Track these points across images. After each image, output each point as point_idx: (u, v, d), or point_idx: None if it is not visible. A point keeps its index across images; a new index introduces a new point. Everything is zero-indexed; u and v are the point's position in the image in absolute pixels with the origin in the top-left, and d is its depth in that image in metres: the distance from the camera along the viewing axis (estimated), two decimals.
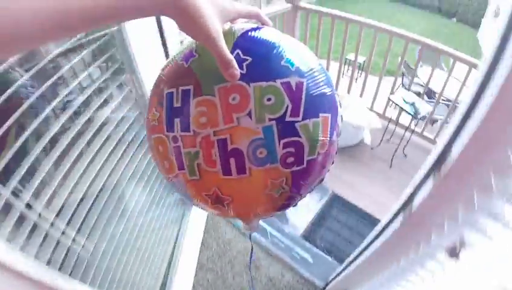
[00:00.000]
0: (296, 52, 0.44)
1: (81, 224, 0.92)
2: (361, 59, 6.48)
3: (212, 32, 0.35)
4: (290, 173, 0.44)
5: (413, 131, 2.86)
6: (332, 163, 0.51)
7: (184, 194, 0.49)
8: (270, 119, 0.40)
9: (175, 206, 1.73)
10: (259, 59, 0.41)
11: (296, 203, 0.51)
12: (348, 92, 3.25)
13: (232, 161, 0.41)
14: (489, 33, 10.46)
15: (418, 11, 13.82)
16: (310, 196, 2.33)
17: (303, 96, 0.42)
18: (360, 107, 2.63)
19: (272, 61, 0.42)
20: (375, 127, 2.64)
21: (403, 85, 5.58)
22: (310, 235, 2.29)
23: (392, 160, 2.88)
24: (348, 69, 6.57)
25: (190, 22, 0.35)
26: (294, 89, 0.41)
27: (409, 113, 2.54)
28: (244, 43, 0.42)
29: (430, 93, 5.17)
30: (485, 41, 10.78)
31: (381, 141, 2.98)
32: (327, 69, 3.20)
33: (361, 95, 3.17)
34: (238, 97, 0.40)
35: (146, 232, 1.36)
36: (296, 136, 0.42)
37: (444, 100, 5.05)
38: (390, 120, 2.95)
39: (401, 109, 2.62)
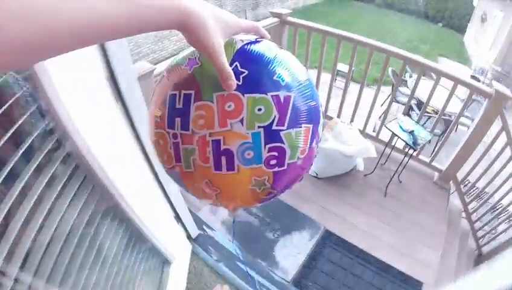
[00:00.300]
0: (287, 67, 0.51)
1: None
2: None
3: (216, 48, 0.41)
4: (272, 172, 0.51)
5: (410, 156, 2.70)
6: (311, 165, 0.58)
7: (179, 183, 0.57)
8: (259, 127, 0.47)
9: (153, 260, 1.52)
10: (254, 73, 0.48)
11: (276, 197, 0.59)
12: (339, 115, 3.09)
13: (223, 159, 0.49)
14: (475, 37, 10.51)
15: (405, 16, 13.87)
16: (300, 235, 2.13)
17: (289, 109, 0.49)
18: (353, 135, 2.45)
19: (265, 76, 0.48)
20: (371, 157, 2.47)
21: (393, 97, 5.49)
22: (301, 280, 2.10)
23: (386, 188, 2.72)
24: (336, 79, 6.44)
25: (197, 39, 0.40)
26: (282, 102, 0.48)
27: (408, 144, 2.38)
28: (243, 57, 0.49)
29: (421, 105, 5.10)
30: (471, 45, 10.83)
31: (375, 167, 2.81)
32: (318, 80, 3.16)
33: (354, 112, 3.02)
34: (233, 105, 0.47)
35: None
36: (280, 143, 0.49)
37: (433, 112, 5.00)
38: (386, 144, 2.79)
39: (399, 138, 2.46)
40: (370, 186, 2.78)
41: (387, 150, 2.87)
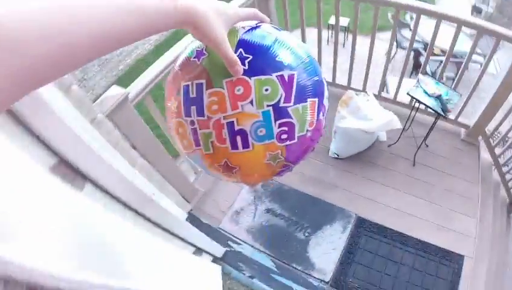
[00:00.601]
0: (288, 48, 0.56)
1: None
2: (345, 21, 5.89)
3: (219, 39, 0.45)
4: (284, 146, 0.56)
5: (437, 118, 2.42)
6: (321, 136, 0.61)
7: (201, 165, 0.62)
8: (268, 106, 0.53)
9: None
10: (258, 57, 0.53)
11: (291, 169, 0.63)
12: (349, 83, 2.78)
13: (239, 138, 0.54)
14: None
15: None
16: (332, 228, 1.94)
17: (294, 86, 0.54)
18: (373, 108, 2.17)
19: (268, 58, 0.54)
20: (395, 128, 2.22)
21: (397, 45, 5.05)
22: (340, 278, 1.96)
23: (415, 156, 2.50)
24: (332, 35, 5.99)
25: (201, 33, 0.45)
26: (287, 80, 0.54)
27: (437, 112, 2.10)
28: (246, 43, 0.54)
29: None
30: None
31: (400, 136, 2.56)
32: (319, 39, 2.83)
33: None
34: (242, 89, 0.53)
35: None
36: (289, 118, 0.54)
37: (442, 53, 4.62)
38: (412, 109, 2.48)
39: (426, 107, 2.17)
40: (396, 158, 2.56)
41: (411, 113, 2.61)
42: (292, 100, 0.54)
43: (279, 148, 0.56)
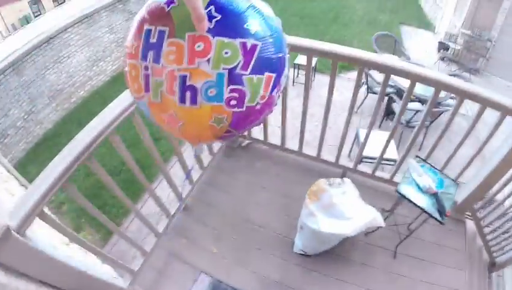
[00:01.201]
0: (259, 17, 0.57)
1: None
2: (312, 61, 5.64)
3: None
4: (231, 112, 0.58)
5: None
6: (270, 112, 0.65)
7: (147, 113, 0.66)
8: (224, 68, 0.54)
9: None
10: (226, 18, 0.54)
11: (233, 137, 0.66)
12: (318, 154, 2.37)
13: (188, 93, 0.56)
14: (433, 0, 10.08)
15: None
16: None
17: (254, 57, 0.55)
18: (350, 202, 1.74)
19: (236, 23, 0.55)
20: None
21: (367, 87, 4.80)
22: None
23: (396, 247, 2.10)
24: (298, 75, 5.71)
25: None
26: (248, 49, 0.55)
27: (432, 217, 1.69)
28: (218, 2, 0.55)
29: (401, 93, 4.44)
30: (429, 8, 10.45)
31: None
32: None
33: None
34: (202, 45, 0.54)
35: None
36: (241, 86, 0.56)
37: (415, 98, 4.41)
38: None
39: (418, 207, 1.76)
40: (374, 249, 2.13)
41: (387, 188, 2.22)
42: (249, 69, 0.56)
43: (225, 112, 0.58)
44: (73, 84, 7.75)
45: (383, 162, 2.74)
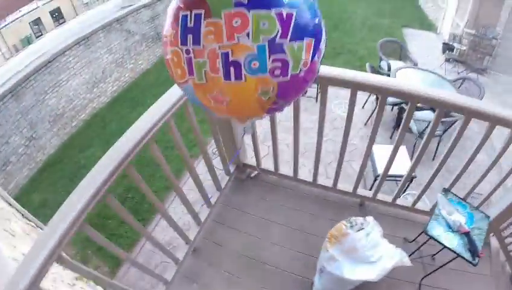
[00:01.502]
0: None
1: None
2: None
3: None
4: (276, 83, 0.60)
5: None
6: (315, 80, 0.68)
7: (192, 97, 0.68)
8: (264, 40, 0.56)
9: None
10: None
11: (282, 109, 0.69)
12: (334, 185, 2.20)
13: (232, 69, 0.58)
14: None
15: None
16: None
17: (291, 24, 0.56)
18: (374, 244, 1.58)
19: None
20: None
21: (376, 98, 4.62)
22: None
23: (422, 280, 1.92)
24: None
25: None
26: (285, 18, 0.56)
27: (464, 258, 1.52)
28: None
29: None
30: (428, 8, 10.32)
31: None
32: None
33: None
34: (239, 21, 0.55)
35: None
36: (283, 54, 0.57)
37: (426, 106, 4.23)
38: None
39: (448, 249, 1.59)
40: (397, 284, 1.96)
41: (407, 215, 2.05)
42: (288, 37, 0.57)
43: (271, 83, 0.60)
44: (74, 108, 7.68)
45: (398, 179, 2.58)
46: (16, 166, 6.52)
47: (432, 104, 1.59)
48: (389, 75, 4.49)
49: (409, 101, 1.56)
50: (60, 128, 7.45)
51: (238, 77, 0.58)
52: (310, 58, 0.61)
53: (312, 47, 0.61)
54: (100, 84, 8.28)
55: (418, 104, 1.55)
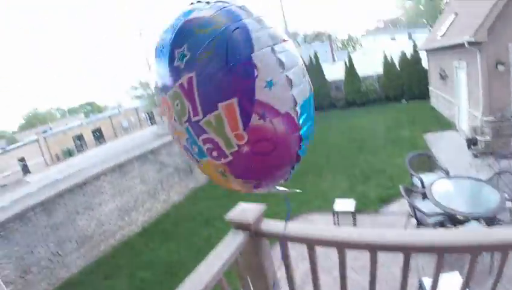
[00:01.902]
0: (186, 42, 0.50)
1: None
2: (351, 205, 5.22)
3: None
4: (222, 164, 0.52)
5: None
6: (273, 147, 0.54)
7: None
8: (185, 122, 0.51)
9: None
10: (159, 67, 0.53)
11: (268, 188, 0.61)
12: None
13: (189, 154, 0.59)
14: (443, 97, 10.20)
15: (369, 108, 14.00)
16: None
17: (195, 92, 0.46)
18: None
19: (168, 64, 0.48)
20: None
21: (417, 222, 4.16)
22: None
23: None
24: (338, 221, 5.19)
25: None
26: (186, 88, 0.47)
27: None
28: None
29: (454, 218, 3.79)
30: (442, 107, 10.45)
31: None
32: None
33: None
34: (166, 108, 0.52)
35: None
36: (206, 133, 0.49)
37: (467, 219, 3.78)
38: None
39: None
40: None
41: None
42: (199, 112, 0.48)
43: (219, 166, 0.53)
44: (104, 233, 7.80)
45: None
46: (36, 277, 6.47)
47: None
48: (424, 193, 4.28)
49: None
50: (88, 251, 7.44)
51: (195, 160, 0.58)
52: (242, 127, 0.49)
53: (237, 110, 0.47)
54: (132, 213, 8.46)
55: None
